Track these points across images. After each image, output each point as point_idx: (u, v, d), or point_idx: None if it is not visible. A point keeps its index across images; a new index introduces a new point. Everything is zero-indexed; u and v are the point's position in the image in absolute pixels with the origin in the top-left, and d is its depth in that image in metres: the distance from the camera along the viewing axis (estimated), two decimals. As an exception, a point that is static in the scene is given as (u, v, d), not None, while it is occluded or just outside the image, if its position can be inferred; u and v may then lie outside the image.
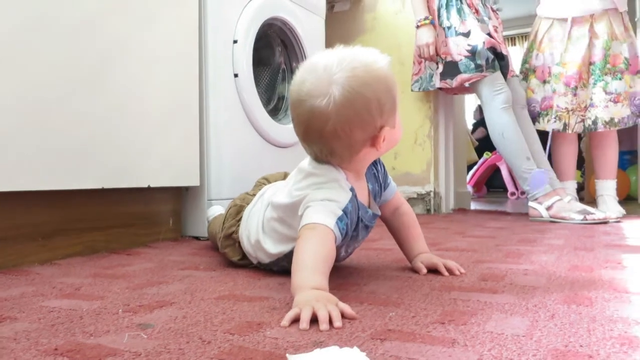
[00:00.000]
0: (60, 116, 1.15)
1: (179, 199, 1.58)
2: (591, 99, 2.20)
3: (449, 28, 2.15)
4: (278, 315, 0.70)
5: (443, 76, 2.18)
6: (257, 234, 0.98)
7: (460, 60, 2.11)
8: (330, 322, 0.64)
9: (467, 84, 2.14)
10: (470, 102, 5.19)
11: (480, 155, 4.55)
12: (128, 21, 1.31)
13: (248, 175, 1.65)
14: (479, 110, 5.17)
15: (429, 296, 0.80)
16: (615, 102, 2.16)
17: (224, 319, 0.68)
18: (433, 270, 0.99)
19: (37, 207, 1.18)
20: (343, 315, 0.67)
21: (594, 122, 2.19)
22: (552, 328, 0.63)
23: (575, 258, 1.15)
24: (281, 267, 0.98)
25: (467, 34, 2.11)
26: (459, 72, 2.12)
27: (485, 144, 4.66)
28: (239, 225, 1.07)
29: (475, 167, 4.54)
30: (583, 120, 2.22)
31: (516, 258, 1.16)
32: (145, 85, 1.36)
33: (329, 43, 2.53)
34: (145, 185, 1.36)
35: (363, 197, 0.93)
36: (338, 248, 0.86)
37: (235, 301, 0.78)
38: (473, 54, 2.08)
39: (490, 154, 4.41)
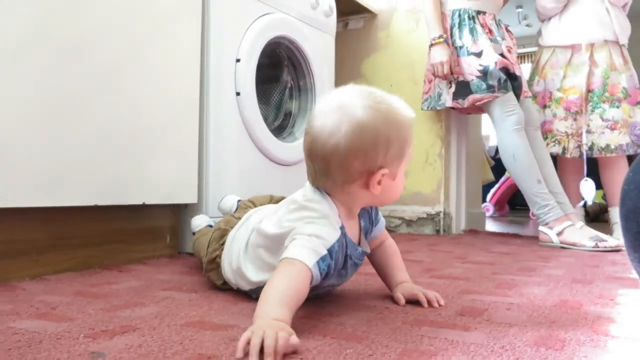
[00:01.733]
0: (55, 132, 1.17)
1: (176, 215, 1.59)
2: (588, 125, 2.24)
3: (461, 47, 2.13)
4: (234, 347, 0.69)
5: (455, 96, 2.15)
6: (239, 260, 0.97)
7: (472, 80, 2.08)
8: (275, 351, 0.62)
9: (478, 104, 2.11)
10: (488, 121, 5.10)
11: (498, 175, 4.46)
12: (129, 37, 1.34)
13: (248, 192, 1.65)
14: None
15: (397, 331, 0.78)
16: (612, 129, 2.19)
17: (178, 350, 0.68)
18: (414, 301, 0.97)
19: (31, 222, 1.20)
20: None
21: (590, 148, 2.23)
22: (509, 375, 0.60)
23: (569, 292, 1.11)
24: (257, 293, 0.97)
25: (479, 54, 2.08)
26: (471, 92, 2.09)
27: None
28: (222, 250, 1.06)
29: (496, 186, 4.46)
30: (580, 146, 2.26)
31: (506, 289, 1.13)
32: (143, 101, 1.38)
33: (342, 60, 2.54)
34: (140, 203, 1.37)
35: (354, 235, 0.92)
36: (318, 285, 0.84)
37: (199, 329, 0.78)
38: (485, 74, 2.05)
39: (511, 172, 4.32)
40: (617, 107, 2.19)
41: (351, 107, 0.82)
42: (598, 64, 2.22)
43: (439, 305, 0.95)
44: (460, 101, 2.14)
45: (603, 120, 2.20)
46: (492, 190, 4.49)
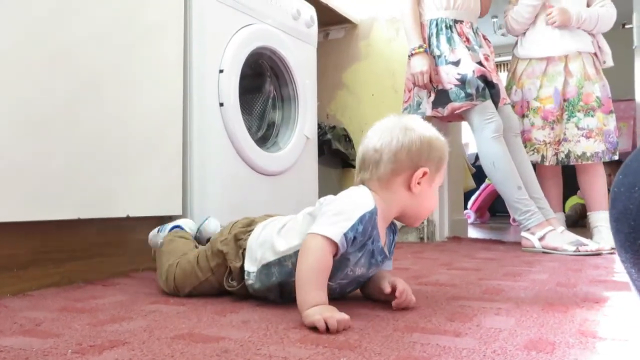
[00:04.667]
0: (35, 144, 1.15)
1: (162, 228, 1.57)
2: (564, 134, 2.29)
3: (439, 57, 2.15)
4: (225, 359, 0.68)
5: (435, 104, 2.17)
6: (271, 237, 1.02)
7: (451, 88, 2.10)
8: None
9: (457, 112, 2.13)
10: (468, 128, 5.15)
11: (478, 182, 4.51)
12: (111, 48, 1.33)
13: (233, 203, 1.65)
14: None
15: (388, 338, 0.79)
16: (587, 137, 2.24)
17: (169, 363, 0.67)
18: (403, 308, 0.98)
19: (12, 237, 1.18)
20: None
21: (567, 156, 2.28)
22: (503, 379, 0.61)
23: (554, 295, 1.13)
24: (265, 285, 1.02)
25: (456, 63, 2.11)
26: (450, 101, 2.11)
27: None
28: (248, 234, 1.08)
29: (477, 193, 4.50)
30: (557, 154, 2.30)
31: (494, 294, 1.14)
32: (127, 114, 1.37)
33: (324, 70, 2.55)
34: (124, 215, 1.36)
35: (382, 238, 1.01)
36: (347, 274, 0.99)
37: (189, 342, 0.77)
38: (463, 82, 2.08)
39: (491, 179, 4.38)
40: (592, 115, 2.24)
41: (400, 119, 1.02)
42: (572, 74, 2.27)
43: (405, 302, 0.99)
44: (440, 109, 2.16)
45: (578, 129, 2.25)
46: (473, 198, 4.53)
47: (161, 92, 1.48)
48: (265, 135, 1.97)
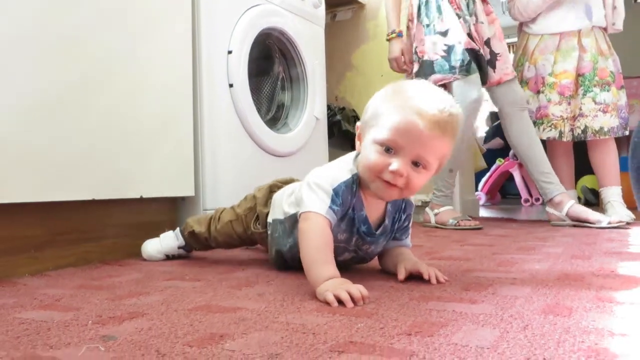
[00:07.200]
0: (51, 126, 1.16)
1: (174, 209, 1.58)
2: (580, 109, 2.26)
3: (427, 26, 2.07)
4: (245, 326, 0.69)
5: (417, 75, 2.11)
6: (281, 200, 1.11)
7: (437, 59, 2.04)
8: (354, 300, 0.79)
9: (439, 84, 2.09)
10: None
11: (490, 163, 4.48)
12: (122, 32, 1.33)
13: (245, 184, 1.65)
14: (492, 117, 5.07)
15: (405, 306, 0.79)
16: (604, 112, 2.22)
17: (188, 330, 0.68)
18: (418, 277, 0.98)
19: (29, 218, 1.19)
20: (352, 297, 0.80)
21: (584, 131, 2.25)
22: (521, 340, 0.61)
23: (569, 266, 1.12)
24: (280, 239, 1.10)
25: (444, 33, 2.03)
26: (434, 72, 2.05)
27: (497, 151, 4.60)
28: (270, 197, 1.18)
29: (488, 174, 4.48)
30: (572, 130, 2.28)
31: (508, 267, 1.14)
32: (138, 96, 1.37)
33: (332, 51, 2.53)
34: (138, 196, 1.36)
35: (372, 208, 1.00)
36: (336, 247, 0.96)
37: (207, 312, 0.78)
38: (449, 54, 2.02)
39: (502, 160, 4.35)
40: (608, 90, 2.22)
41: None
42: (586, 49, 2.25)
43: (439, 282, 0.96)
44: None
45: (596, 103, 2.22)
46: (484, 179, 4.51)
47: (171, 74, 1.48)
48: (275, 117, 1.97)
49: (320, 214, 0.90)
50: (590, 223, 1.97)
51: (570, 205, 2.04)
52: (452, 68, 2.01)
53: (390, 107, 0.89)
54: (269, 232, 1.14)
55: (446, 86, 2.11)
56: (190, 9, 1.56)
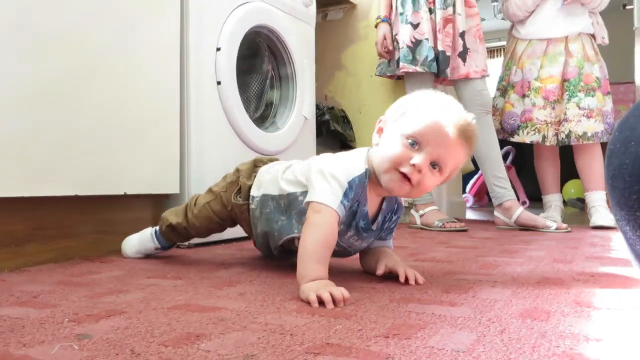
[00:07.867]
0: (33, 121, 1.14)
1: (159, 206, 1.57)
2: (565, 114, 2.28)
3: (401, 14, 2.16)
4: (223, 326, 0.69)
5: (397, 63, 2.18)
6: (276, 177, 1.09)
7: (403, 47, 2.12)
8: (335, 301, 0.80)
9: (399, 73, 2.17)
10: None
11: (477, 165, 4.50)
12: (108, 27, 1.31)
13: (230, 183, 1.65)
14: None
15: (384, 308, 0.79)
16: (588, 117, 2.24)
17: (165, 330, 0.67)
18: (396, 277, 0.98)
19: (9, 213, 1.17)
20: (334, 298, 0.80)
21: (567, 136, 2.27)
22: (497, 344, 0.61)
23: (551, 270, 1.13)
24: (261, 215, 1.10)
25: (416, 25, 2.11)
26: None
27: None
28: (253, 177, 1.16)
29: (475, 177, 4.50)
30: (557, 134, 2.30)
31: (490, 269, 1.14)
32: (124, 92, 1.36)
33: (322, 51, 2.53)
34: (122, 193, 1.35)
35: (372, 204, 1.01)
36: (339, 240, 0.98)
37: (186, 311, 0.77)
38: (416, 47, 2.10)
39: (490, 163, 4.37)
40: (592, 96, 2.24)
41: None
42: (573, 54, 2.27)
43: (417, 283, 0.97)
44: (392, 69, 2.22)
45: (580, 108, 2.25)
46: (471, 182, 4.53)
47: (158, 70, 1.46)
48: (263, 115, 1.96)
49: (332, 208, 0.90)
50: (538, 229, 2.05)
51: (520, 212, 2.11)
52: (414, 60, 2.09)
53: (422, 107, 0.94)
54: (252, 207, 1.13)
55: (400, 77, 2.20)
56: (179, 5, 1.55)
